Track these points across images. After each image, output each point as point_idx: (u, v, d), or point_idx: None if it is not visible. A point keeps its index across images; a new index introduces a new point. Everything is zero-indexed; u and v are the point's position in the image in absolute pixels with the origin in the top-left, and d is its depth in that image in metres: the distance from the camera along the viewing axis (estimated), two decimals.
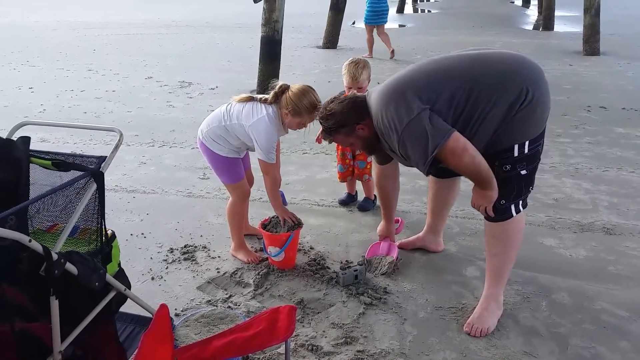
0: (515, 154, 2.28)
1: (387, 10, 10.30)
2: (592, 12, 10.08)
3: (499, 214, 2.39)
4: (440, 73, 2.31)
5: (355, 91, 3.39)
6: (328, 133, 2.59)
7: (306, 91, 2.77)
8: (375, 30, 10.21)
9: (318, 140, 3.79)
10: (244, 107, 2.82)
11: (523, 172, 2.32)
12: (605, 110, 6.38)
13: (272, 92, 2.81)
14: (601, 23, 10.23)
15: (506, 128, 2.24)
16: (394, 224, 3.17)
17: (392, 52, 10.19)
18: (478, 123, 2.24)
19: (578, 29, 12.34)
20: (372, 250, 3.11)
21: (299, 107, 2.73)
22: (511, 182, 2.32)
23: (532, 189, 2.42)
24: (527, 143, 2.28)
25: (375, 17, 10.09)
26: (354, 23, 14.96)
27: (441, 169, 2.81)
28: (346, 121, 2.49)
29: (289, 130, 2.91)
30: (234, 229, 3.11)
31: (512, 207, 2.39)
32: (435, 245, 3.17)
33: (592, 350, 2.36)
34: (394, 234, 3.17)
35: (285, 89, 2.79)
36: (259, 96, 2.86)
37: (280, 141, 3.13)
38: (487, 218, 2.46)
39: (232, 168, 2.96)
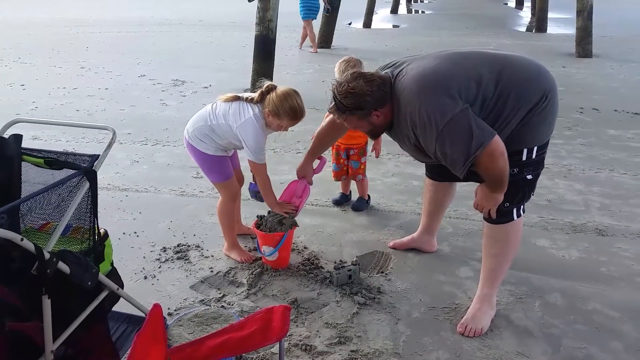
0: (524, 158, 2.29)
1: (318, 7, 11.10)
2: (584, 14, 10.15)
3: (502, 216, 2.39)
4: (474, 71, 2.22)
5: None
6: (341, 110, 2.34)
7: (289, 95, 2.73)
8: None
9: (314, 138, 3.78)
10: (230, 107, 2.80)
11: (529, 176, 2.33)
12: (598, 112, 6.42)
13: (258, 91, 2.80)
14: (594, 25, 10.31)
15: (518, 131, 2.24)
16: (313, 163, 3.06)
17: (310, 46, 11.21)
18: (502, 126, 2.21)
19: (571, 31, 12.45)
20: (288, 192, 3.02)
21: (279, 109, 2.70)
22: (517, 186, 2.32)
23: (533, 194, 2.44)
24: (535, 149, 2.29)
25: (310, 12, 10.95)
26: (350, 23, 14.96)
27: (441, 172, 2.81)
28: (366, 105, 2.29)
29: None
30: (225, 228, 3.10)
31: (515, 210, 2.40)
32: (429, 245, 3.17)
33: (585, 351, 2.36)
34: (312, 175, 3.02)
35: (271, 89, 2.77)
36: (245, 95, 2.84)
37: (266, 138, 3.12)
38: (488, 220, 2.45)
39: (220, 167, 2.95)
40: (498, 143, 2.12)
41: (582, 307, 2.67)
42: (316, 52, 10.92)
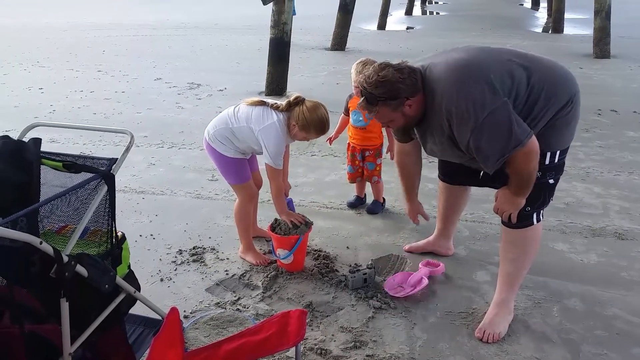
0: (547, 162, 2.26)
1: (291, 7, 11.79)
2: (602, 14, 10.01)
3: (522, 220, 2.36)
4: (508, 65, 2.17)
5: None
6: (372, 103, 2.23)
7: (318, 107, 2.79)
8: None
9: (329, 141, 3.78)
10: (253, 111, 2.82)
11: (551, 180, 2.31)
12: (616, 113, 6.33)
13: (286, 101, 2.83)
14: (612, 25, 10.16)
15: (543, 134, 2.20)
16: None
17: None
18: (530, 126, 2.15)
19: (588, 31, 12.30)
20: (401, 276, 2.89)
21: (309, 123, 2.76)
22: (539, 190, 2.29)
23: (552, 199, 2.41)
24: (558, 153, 2.27)
25: None
26: (408, 28, 14.70)
27: (454, 175, 2.79)
28: (398, 93, 2.18)
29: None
30: (241, 231, 3.11)
31: (535, 214, 2.37)
32: (445, 249, 3.14)
33: (604, 357, 2.33)
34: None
35: (300, 101, 2.81)
36: (271, 102, 2.87)
37: (289, 147, 3.12)
38: (507, 224, 2.42)
39: (238, 169, 2.96)
40: (534, 143, 2.08)
41: (602, 313, 2.63)
42: None
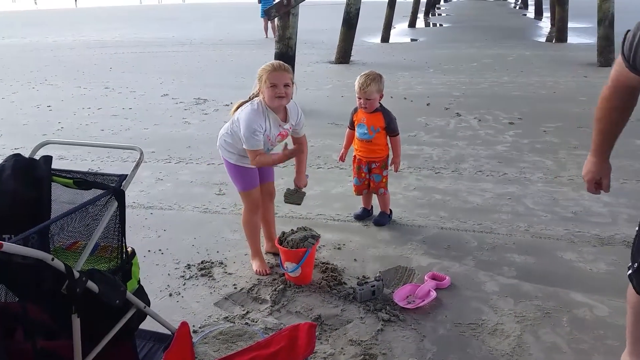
0: None
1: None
2: (605, 23, 10.04)
3: None
4: None
5: (362, 102, 3.43)
6: None
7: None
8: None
9: (341, 159, 3.81)
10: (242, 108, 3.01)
11: None
12: None
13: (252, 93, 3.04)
14: (615, 34, 10.18)
15: None
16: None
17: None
18: None
19: (592, 40, 12.30)
20: (405, 289, 2.90)
21: (260, 76, 2.92)
22: None
23: None
24: None
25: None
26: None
27: None
28: None
29: (281, 104, 2.94)
30: (247, 237, 3.19)
31: None
32: None
33: None
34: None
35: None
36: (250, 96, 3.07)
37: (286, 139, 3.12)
38: None
39: (243, 176, 3.06)
40: None
41: (613, 322, 2.61)
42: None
